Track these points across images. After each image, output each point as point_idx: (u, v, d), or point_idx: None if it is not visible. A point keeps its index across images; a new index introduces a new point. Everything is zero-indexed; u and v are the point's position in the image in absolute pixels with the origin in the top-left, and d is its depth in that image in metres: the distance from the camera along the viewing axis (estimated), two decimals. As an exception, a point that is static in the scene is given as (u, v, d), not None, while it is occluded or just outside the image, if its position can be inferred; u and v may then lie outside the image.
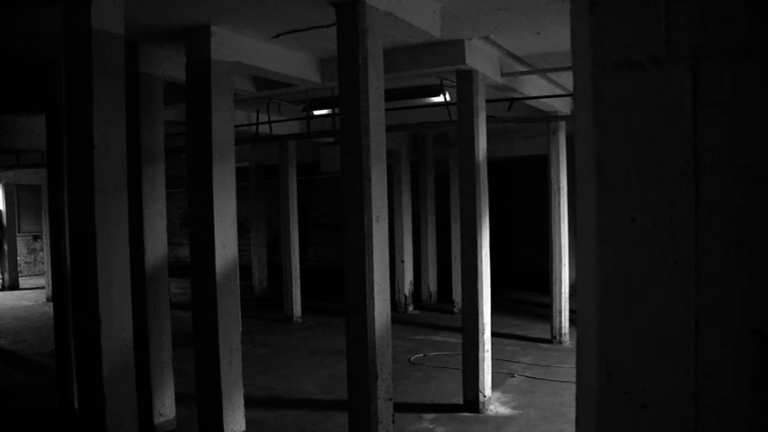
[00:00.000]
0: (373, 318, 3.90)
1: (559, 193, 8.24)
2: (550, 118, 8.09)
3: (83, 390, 3.76)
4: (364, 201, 3.86)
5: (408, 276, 11.21)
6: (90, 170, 3.55)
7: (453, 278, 10.83)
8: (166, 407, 5.39)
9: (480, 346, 5.72)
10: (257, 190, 13.88)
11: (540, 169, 10.14)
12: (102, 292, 3.57)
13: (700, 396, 1.00)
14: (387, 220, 4.03)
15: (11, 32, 4.94)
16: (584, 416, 1.13)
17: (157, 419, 5.30)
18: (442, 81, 6.59)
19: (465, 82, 5.74)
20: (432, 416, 5.61)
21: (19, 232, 16.76)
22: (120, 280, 3.68)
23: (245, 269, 12.02)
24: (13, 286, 15.42)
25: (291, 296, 10.56)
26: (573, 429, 1.21)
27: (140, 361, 4.87)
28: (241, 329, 5.17)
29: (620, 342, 1.07)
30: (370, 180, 3.86)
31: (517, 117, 7.99)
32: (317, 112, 8.27)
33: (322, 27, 4.79)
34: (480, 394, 5.69)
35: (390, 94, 5.09)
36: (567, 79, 7.15)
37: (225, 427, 4.84)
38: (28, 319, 11.12)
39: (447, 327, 9.48)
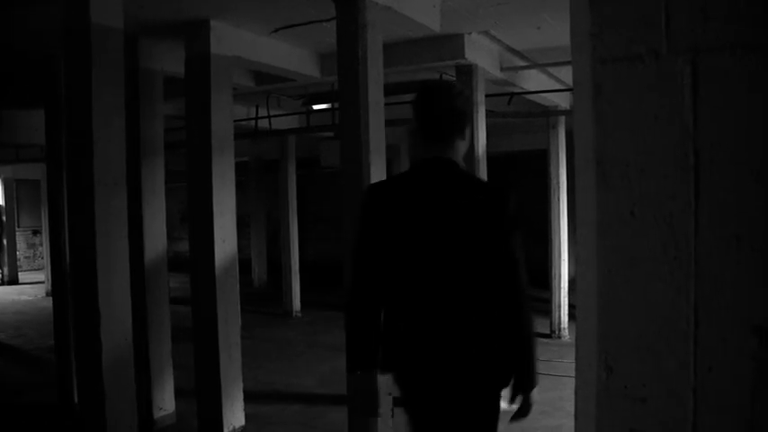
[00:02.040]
0: (373, 312, 3.89)
1: (559, 187, 8.23)
2: (550, 112, 8.08)
3: (83, 384, 3.77)
4: (364, 195, 3.86)
5: (408, 271, 11.19)
6: (89, 165, 3.55)
7: (453, 273, 10.81)
8: (166, 401, 5.39)
9: (479, 341, 5.72)
10: (257, 185, 13.87)
11: (539, 164, 10.13)
12: (101, 287, 3.56)
13: (699, 390, 1.00)
14: (386, 215, 4.03)
15: (11, 27, 4.93)
16: (584, 410, 1.13)
17: (157, 413, 5.31)
18: (441, 75, 6.58)
19: (465, 76, 5.72)
20: (431, 410, 5.61)
21: (18, 227, 16.74)
22: (119, 274, 3.68)
23: (244, 264, 12.00)
24: (13, 281, 15.41)
25: (291, 291, 10.56)
26: (572, 424, 1.21)
27: (140, 355, 4.87)
28: (240, 324, 5.18)
29: (619, 336, 1.07)
30: (369, 175, 3.86)
31: (516, 112, 7.97)
32: (316, 107, 8.26)
33: (321, 21, 4.78)
34: (479, 389, 5.69)
35: (390, 89, 5.08)
36: (566, 74, 7.14)
37: (224, 421, 4.85)
38: (27, 314, 11.12)
39: (446, 321, 9.46)
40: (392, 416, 4.07)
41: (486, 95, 5.98)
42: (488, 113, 6.12)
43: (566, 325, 8.24)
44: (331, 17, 4.03)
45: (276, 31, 5.20)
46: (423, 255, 2.31)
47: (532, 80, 7.06)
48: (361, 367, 2.34)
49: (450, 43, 5.47)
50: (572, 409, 1.20)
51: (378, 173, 3.92)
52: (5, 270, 15.54)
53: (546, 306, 8.53)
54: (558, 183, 8.24)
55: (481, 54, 5.73)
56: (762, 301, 0.95)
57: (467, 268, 2.30)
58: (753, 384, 0.96)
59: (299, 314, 10.53)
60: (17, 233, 16.41)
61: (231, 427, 4.92)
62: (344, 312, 2.48)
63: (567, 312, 8.24)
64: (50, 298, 6.44)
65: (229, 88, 4.97)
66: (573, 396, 1.18)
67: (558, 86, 7.47)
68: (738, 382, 0.97)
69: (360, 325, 2.35)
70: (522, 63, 6.42)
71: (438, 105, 2.38)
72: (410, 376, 2.39)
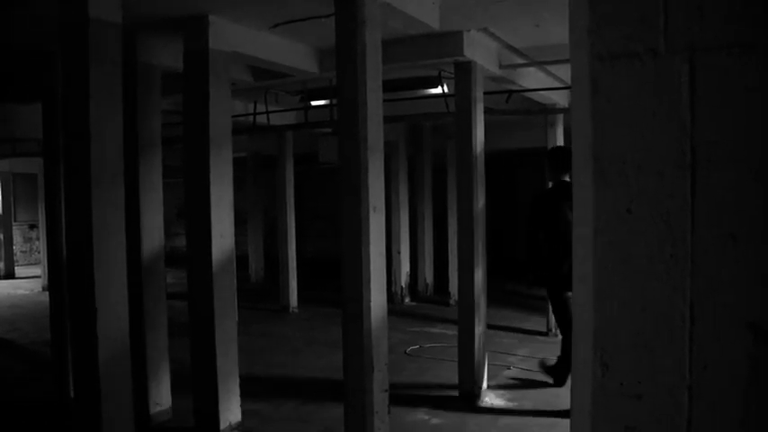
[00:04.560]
0: (369, 309, 3.90)
1: (557, 185, 8.23)
2: (548, 110, 8.08)
3: (79, 379, 3.77)
4: (361, 192, 3.86)
5: (405, 268, 11.21)
6: (86, 159, 3.55)
7: (450, 270, 10.83)
8: (162, 396, 5.40)
9: (476, 339, 5.74)
10: (255, 180, 13.87)
11: (537, 161, 10.13)
12: (98, 282, 3.56)
13: (694, 388, 1.01)
14: (384, 212, 4.03)
15: (9, 22, 4.92)
16: (579, 407, 1.14)
17: (153, 409, 5.31)
18: (440, 72, 6.58)
19: (463, 74, 5.72)
20: (427, 407, 5.62)
21: (15, 221, 16.72)
22: (116, 269, 3.68)
23: (241, 259, 12.01)
24: (9, 275, 15.40)
25: (288, 287, 10.56)
26: (567, 421, 1.22)
27: (136, 350, 4.87)
28: (237, 319, 5.17)
29: (615, 333, 1.08)
30: (367, 171, 3.86)
31: (515, 109, 7.97)
32: (314, 103, 8.26)
33: (320, 17, 4.77)
34: (476, 386, 5.71)
35: (388, 86, 5.08)
36: (564, 72, 7.14)
37: (221, 416, 4.85)
38: (24, 308, 11.12)
39: (443, 319, 9.49)
40: (388, 412, 4.08)
41: (485, 93, 5.98)
42: (487, 111, 6.12)
43: (562, 323, 8.24)
44: (330, 13, 4.03)
45: (275, 26, 5.19)
46: (558, 228, 5.39)
47: (531, 78, 7.07)
48: (534, 284, 5.85)
49: (448, 40, 5.46)
50: (568, 407, 1.20)
51: (376, 169, 3.92)
52: (2, 264, 15.52)
53: (543, 303, 8.55)
54: (555, 181, 8.24)
55: (480, 51, 5.73)
56: (757, 298, 0.96)
57: None
58: (747, 381, 0.97)
59: (296, 310, 10.54)
60: (14, 227, 16.39)
61: (227, 423, 4.92)
62: (526, 256, 5.85)
63: (563, 310, 8.23)
64: (47, 292, 6.44)
65: (228, 84, 4.97)
66: (569, 393, 1.18)
67: (556, 84, 7.47)
68: (733, 379, 0.98)
69: (534, 262, 5.60)
70: (521, 60, 6.43)
71: (561, 155, 5.78)
72: (554, 286, 5.64)
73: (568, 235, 4.94)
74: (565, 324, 5.79)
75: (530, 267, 5.69)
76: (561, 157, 5.69)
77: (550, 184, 5.84)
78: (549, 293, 5.84)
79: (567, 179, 5.57)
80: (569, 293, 5.36)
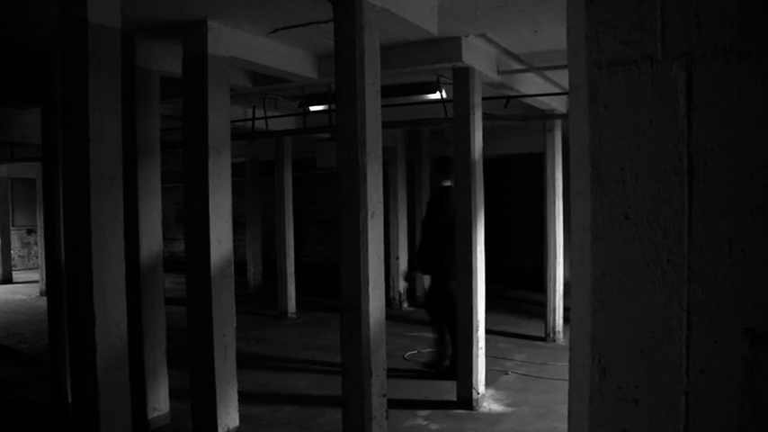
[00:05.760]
0: (368, 314, 3.90)
1: (554, 190, 8.24)
2: (546, 116, 8.09)
3: (76, 383, 3.76)
4: (360, 197, 3.86)
5: (403, 273, 11.21)
6: (85, 164, 3.54)
7: (448, 275, 10.82)
8: (160, 401, 5.39)
9: (474, 344, 5.73)
10: (253, 185, 13.87)
11: (536, 166, 10.15)
12: (96, 286, 3.56)
13: (691, 392, 1.01)
14: (382, 217, 4.03)
15: (6, 24, 4.92)
16: (577, 411, 1.14)
17: (151, 414, 5.30)
18: (438, 78, 6.59)
19: (461, 79, 5.73)
20: (425, 412, 5.62)
21: (13, 226, 16.69)
22: (114, 274, 3.68)
23: (240, 264, 11.97)
24: (7, 280, 15.36)
25: (286, 292, 10.55)
26: (566, 426, 1.22)
27: (134, 355, 4.87)
28: (235, 325, 5.17)
29: (613, 338, 1.08)
30: (365, 176, 3.86)
31: (513, 115, 7.99)
32: (313, 108, 8.26)
33: (319, 23, 4.79)
34: (474, 391, 5.70)
35: (387, 91, 5.08)
36: (563, 77, 7.16)
37: (219, 421, 4.84)
38: (22, 313, 11.09)
39: (441, 324, 9.47)
40: (386, 417, 4.08)
41: (483, 98, 5.99)
42: (485, 116, 6.13)
43: (561, 328, 8.25)
44: (329, 19, 4.03)
45: (274, 32, 5.20)
46: (439, 224, 6.78)
47: (529, 83, 7.08)
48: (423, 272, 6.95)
49: (447, 46, 5.47)
50: (566, 413, 1.20)
51: (374, 175, 3.92)
52: None
53: (541, 309, 8.55)
54: (553, 186, 8.26)
55: (478, 57, 5.74)
56: (753, 304, 0.96)
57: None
58: (744, 386, 0.97)
59: (294, 315, 10.53)
60: (12, 232, 16.36)
61: (226, 428, 4.91)
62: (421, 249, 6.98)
63: (562, 315, 8.25)
64: (45, 297, 6.43)
65: (226, 89, 4.97)
66: (567, 399, 1.19)
67: (554, 90, 7.48)
68: (730, 383, 0.98)
69: (426, 255, 6.77)
70: (519, 66, 6.44)
71: (445, 164, 6.78)
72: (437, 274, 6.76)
73: (449, 229, 6.09)
74: (443, 309, 6.80)
75: (421, 259, 6.93)
76: (444, 166, 6.83)
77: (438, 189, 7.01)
78: (433, 282, 6.87)
79: (448, 184, 6.71)
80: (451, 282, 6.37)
